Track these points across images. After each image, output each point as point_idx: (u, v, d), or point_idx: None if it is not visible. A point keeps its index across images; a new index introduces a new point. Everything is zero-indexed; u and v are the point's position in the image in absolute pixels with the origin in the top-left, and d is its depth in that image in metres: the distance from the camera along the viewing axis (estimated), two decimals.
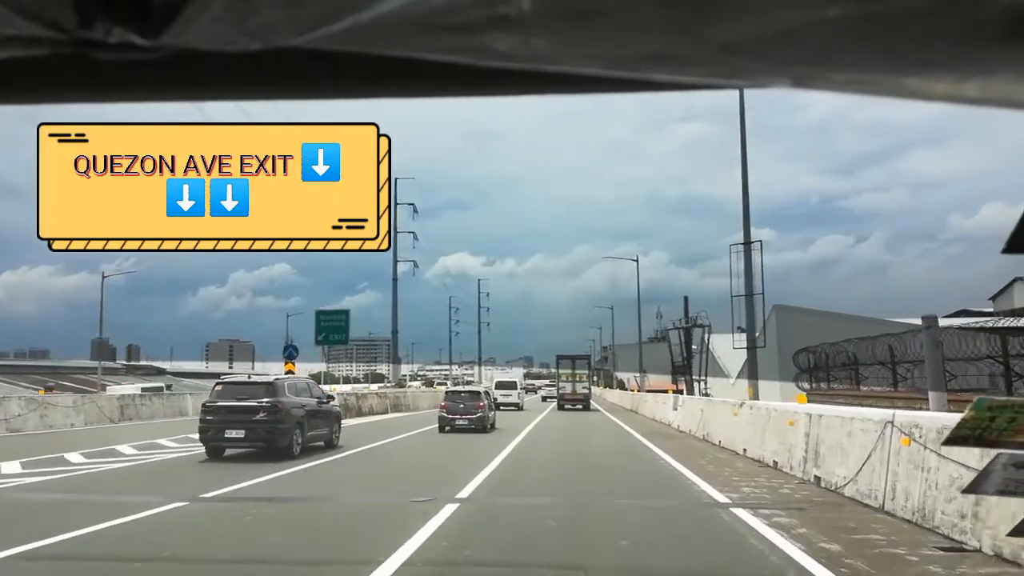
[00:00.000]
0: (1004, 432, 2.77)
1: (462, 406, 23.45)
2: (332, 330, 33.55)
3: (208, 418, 14.57)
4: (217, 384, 15.92)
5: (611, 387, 72.57)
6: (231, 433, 14.33)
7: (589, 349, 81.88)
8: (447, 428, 22.98)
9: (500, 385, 41.69)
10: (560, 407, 41.09)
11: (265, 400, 14.50)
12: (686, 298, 35.78)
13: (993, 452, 2.82)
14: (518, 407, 38.91)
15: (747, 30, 0.51)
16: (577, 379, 43.53)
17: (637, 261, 53.52)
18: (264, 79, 0.68)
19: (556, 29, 0.53)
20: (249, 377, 18.04)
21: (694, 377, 32.45)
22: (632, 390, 52.90)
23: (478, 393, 24.76)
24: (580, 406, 40.80)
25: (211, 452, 14.64)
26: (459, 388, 27.54)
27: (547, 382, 73.25)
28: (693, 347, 33.39)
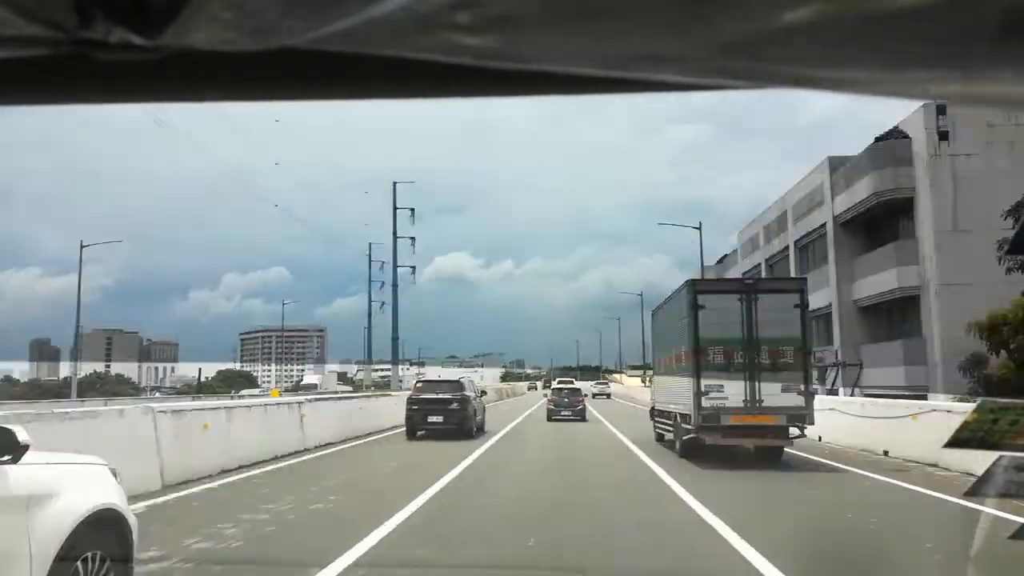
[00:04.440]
0: (1006, 434, 2.77)
1: (566, 400, 27.71)
2: None
3: (414, 407, 18.94)
4: (418, 382, 20.84)
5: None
6: (432, 419, 18.75)
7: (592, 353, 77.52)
8: (554, 418, 27.03)
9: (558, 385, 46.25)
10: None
11: (458, 394, 19.06)
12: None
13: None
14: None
15: (747, 30, 0.51)
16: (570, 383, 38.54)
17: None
18: (264, 79, 0.69)
19: (556, 29, 0.53)
20: (439, 376, 23.10)
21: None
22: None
23: (578, 389, 29.22)
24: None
25: (409, 434, 18.89)
26: (563, 385, 31.06)
27: (594, 383, 70.68)
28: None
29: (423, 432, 18.75)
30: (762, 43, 0.51)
